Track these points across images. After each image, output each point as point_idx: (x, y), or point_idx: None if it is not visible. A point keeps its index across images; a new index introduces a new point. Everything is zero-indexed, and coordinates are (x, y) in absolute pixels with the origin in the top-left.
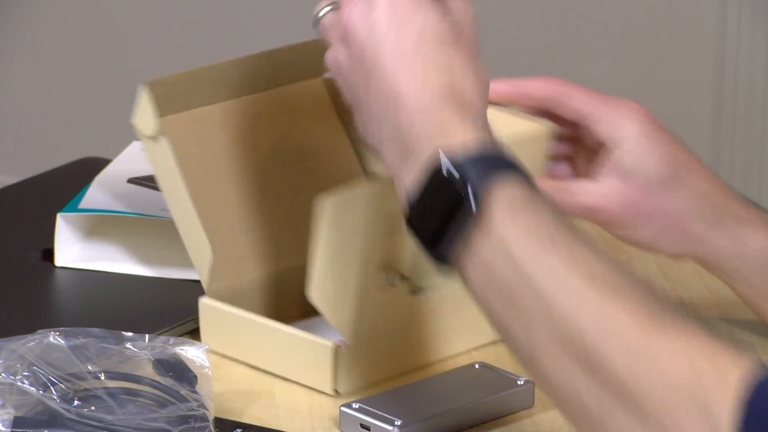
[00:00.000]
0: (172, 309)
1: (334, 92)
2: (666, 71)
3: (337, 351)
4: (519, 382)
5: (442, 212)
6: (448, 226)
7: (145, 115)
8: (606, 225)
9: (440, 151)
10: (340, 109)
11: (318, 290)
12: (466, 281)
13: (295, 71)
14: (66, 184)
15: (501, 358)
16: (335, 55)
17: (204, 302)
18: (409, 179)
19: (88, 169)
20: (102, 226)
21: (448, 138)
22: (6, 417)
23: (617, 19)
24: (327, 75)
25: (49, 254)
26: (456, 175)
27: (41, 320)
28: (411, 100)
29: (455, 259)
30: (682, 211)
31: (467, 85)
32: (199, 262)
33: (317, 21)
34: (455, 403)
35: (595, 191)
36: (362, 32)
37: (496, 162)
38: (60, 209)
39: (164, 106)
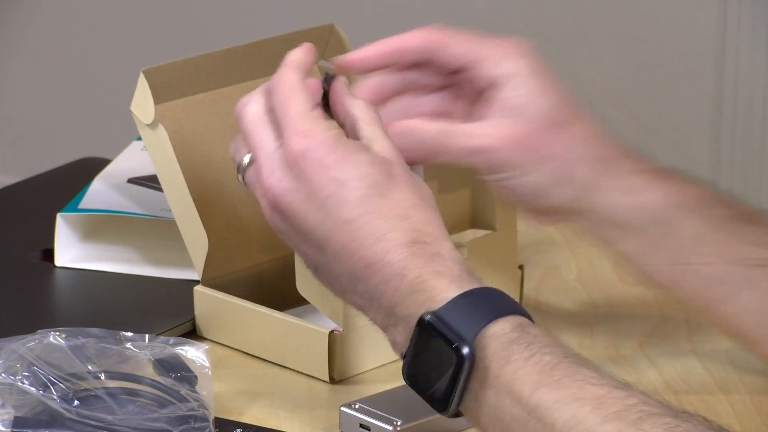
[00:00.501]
0: (172, 309)
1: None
2: (666, 71)
3: (332, 337)
4: None
5: (440, 374)
6: (450, 385)
7: (143, 101)
8: (496, 168)
9: (424, 318)
10: None
11: (304, 283)
12: (477, 425)
13: None
14: (66, 184)
15: None
16: (273, 222)
17: (199, 290)
18: (398, 340)
19: (88, 169)
20: (102, 226)
21: (428, 301)
22: (6, 417)
23: (617, 19)
24: (321, 63)
25: (49, 254)
26: (445, 335)
27: (41, 320)
28: (380, 272)
29: (463, 409)
30: (568, 155)
31: (424, 224)
32: (195, 250)
33: (241, 170)
34: None
35: (482, 132)
36: (298, 209)
37: (478, 307)
38: (60, 209)
39: (161, 93)
